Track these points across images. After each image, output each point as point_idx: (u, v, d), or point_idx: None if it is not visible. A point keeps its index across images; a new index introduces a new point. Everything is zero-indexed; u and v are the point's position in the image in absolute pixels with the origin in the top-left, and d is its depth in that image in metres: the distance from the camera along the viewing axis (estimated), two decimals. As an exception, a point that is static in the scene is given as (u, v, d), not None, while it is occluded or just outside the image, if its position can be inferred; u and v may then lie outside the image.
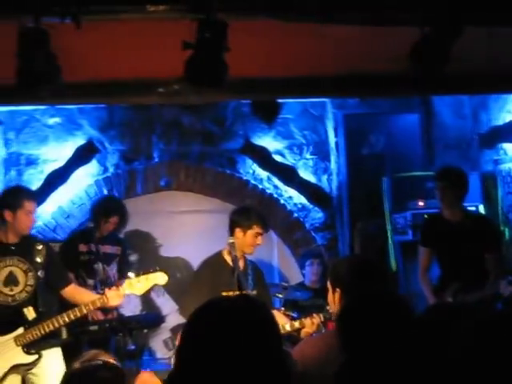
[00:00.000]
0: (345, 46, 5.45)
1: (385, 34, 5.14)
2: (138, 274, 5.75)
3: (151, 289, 6.78)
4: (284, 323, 5.74)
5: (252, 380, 2.01)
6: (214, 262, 5.88)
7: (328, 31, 5.09)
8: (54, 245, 6.99)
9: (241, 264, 5.87)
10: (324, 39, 5.30)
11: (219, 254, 5.91)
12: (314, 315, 5.69)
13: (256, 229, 5.83)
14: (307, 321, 5.70)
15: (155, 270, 5.80)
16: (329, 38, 5.28)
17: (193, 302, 5.63)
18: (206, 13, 3.96)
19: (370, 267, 3.62)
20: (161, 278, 5.79)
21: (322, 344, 3.47)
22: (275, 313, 5.98)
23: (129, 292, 5.75)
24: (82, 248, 6.88)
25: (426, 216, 6.81)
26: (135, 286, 5.70)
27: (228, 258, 5.81)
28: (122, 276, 6.83)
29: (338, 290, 3.54)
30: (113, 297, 5.61)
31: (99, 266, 6.78)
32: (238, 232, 5.82)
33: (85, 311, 5.57)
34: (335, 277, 3.62)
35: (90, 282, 6.81)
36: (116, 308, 6.21)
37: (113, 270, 6.84)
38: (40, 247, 5.68)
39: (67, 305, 5.74)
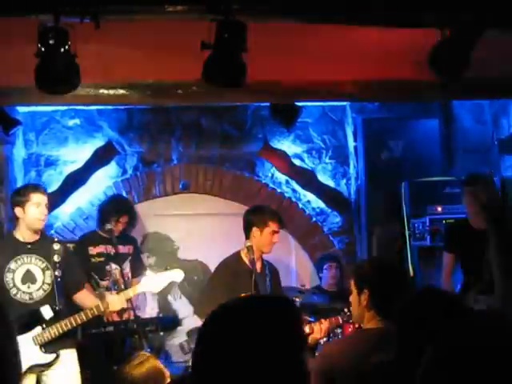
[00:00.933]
0: (365, 49, 5.44)
1: (406, 36, 5.12)
2: (154, 272, 5.83)
3: (166, 290, 6.85)
4: None
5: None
6: (232, 263, 5.88)
7: (349, 33, 5.08)
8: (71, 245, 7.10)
9: (258, 265, 5.88)
10: (344, 41, 5.29)
11: (237, 255, 5.92)
12: (322, 320, 5.68)
13: (272, 226, 5.84)
14: (316, 326, 5.69)
15: (172, 268, 5.85)
16: (349, 41, 5.27)
17: (209, 303, 5.66)
18: (225, 13, 3.96)
19: (395, 267, 3.64)
20: (177, 275, 5.84)
21: (346, 346, 3.47)
22: None
23: (146, 290, 5.80)
24: (93, 250, 6.91)
25: (451, 221, 6.75)
26: (152, 283, 5.73)
27: (246, 259, 5.82)
28: (136, 275, 6.86)
29: (365, 291, 3.53)
30: (114, 301, 5.64)
31: (111, 266, 6.82)
32: (255, 231, 5.82)
33: (96, 312, 5.59)
34: (362, 278, 3.62)
35: (104, 283, 6.85)
36: (133, 309, 6.21)
37: (126, 269, 6.84)
38: (57, 247, 5.71)
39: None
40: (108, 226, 6.62)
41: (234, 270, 5.81)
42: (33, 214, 5.61)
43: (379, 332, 3.42)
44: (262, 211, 5.99)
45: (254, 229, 5.83)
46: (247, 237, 5.90)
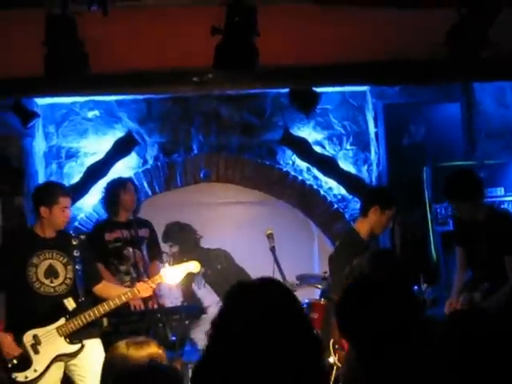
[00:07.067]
0: (383, 32, 5.37)
1: (424, 17, 5.04)
2: (171, 264, 5.89)
3: (190, 279, 6.84)
4: None
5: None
6: (351, 241, 5.88)
7: (365, 16, 5.01)
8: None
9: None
10: (362, 24, 5.23)
11: (353, 231, 5.96)
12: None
13: (393, 211, 5.85)
14: None
15: (188, 259, 5.88)
16: (366, 23, 5.20)
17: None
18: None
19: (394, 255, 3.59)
20: (194, 266, 5.88)
21: None
22: None
23: (164, 282, 5.84)
24: (109, 236, 6.93)
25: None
26: (169, 275, 5.77)
27: (360, 234, 5.85)
28: (153, 258, 6.91)
29: None
30: (144, 289, 5.71)
31: (129, 251, 6.85)
32: (375, 210, 5.82)
33: (124, 300, 5.65)
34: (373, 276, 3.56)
35: (122, 268, 6.89)
36: (156, 298, 6.24)
37: (143, 252, 6.86)
38: (75, 242, 5.78)
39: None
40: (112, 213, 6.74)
41: (354, 247, 5.71)
42: (59, 217, 5.68)
43: None
44: (388, 194, 6.02)
45: (375, 207, 5.82)
46: (365, 214, 5.88)
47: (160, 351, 3.25)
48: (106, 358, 3.36)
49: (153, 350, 3.23)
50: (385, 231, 6.17)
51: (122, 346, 3.22)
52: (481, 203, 5.87)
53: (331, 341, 5.00)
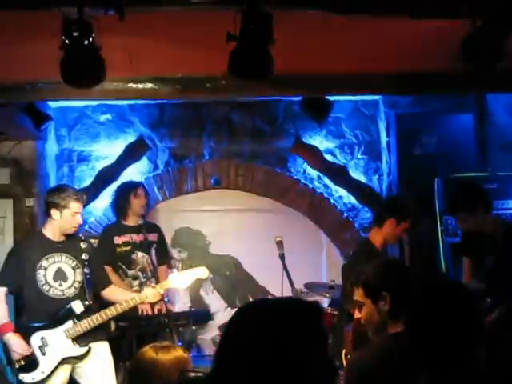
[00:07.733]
0: (397, 42, 5.36)
1: (438, 27, 5.04)
2: (180, 269, 5.90)
3: (198, 284, 6.84)
4: None
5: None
6: (366, 250, 5.83)
7: (379, 25, 5.01)
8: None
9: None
10: (375, 34, 5.22)
11: (368, 240, 5.92)
12: None
13: (408, 223, 5.84)
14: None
15: (197, 265, 5.91)
16: (380, 32, 5.20)
17: None
18: (250, 4, 3.92)
19: (398, 261, 3.57)
20: (202, 272, 5.91)
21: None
22: None
23: (173, 287, 5.87)
24: (118, 240, 6.95)
25: None
26: (177, 281, 5.80)
27: (375, 244, 5.81)
28: (161, 263, 6.91)
29: (384, 294, 3.42)
30: (152, 295, 5.74)
31: (138, 255, 6.86)
32: (391, 222, 5.81)
33: (132, 304, 5.67)
34: (375, 283, 3.52)
35: (131, 272, 6.90)
36: (164, 303, 6.25)
37: (152, 257, 6.86)
38: (84, 246, 5.79)
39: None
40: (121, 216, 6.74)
41: (369, 253, 5.71)
42: (69, 221, 5.68)
43: None
44: (407, 207, 5.99)
45: (392, 220, 5.82)
46: (380, 225, 5.87)
47: (186, 355, 3.25)
48: (133, 362, 3.35)
49: (179, 353, 3.22)
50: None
51: (149, 351, 3.20)
52: (486, 216, 5.84)
53: (343, 351, 4.97)
